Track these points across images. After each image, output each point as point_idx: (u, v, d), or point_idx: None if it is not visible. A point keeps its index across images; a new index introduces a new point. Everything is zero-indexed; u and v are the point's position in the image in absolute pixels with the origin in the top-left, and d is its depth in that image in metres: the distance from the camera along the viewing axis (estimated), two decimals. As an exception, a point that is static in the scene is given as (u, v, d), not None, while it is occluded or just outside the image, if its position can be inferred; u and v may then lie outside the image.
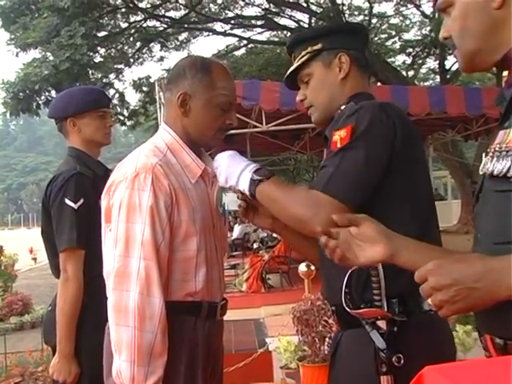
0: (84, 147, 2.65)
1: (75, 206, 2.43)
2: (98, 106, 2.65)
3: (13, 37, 14.52)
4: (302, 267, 4.41)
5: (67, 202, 2.44)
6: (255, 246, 14.29)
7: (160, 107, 8.95)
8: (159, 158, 1.79)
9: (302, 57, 1.85)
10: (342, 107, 1.80)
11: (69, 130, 2.65)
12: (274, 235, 14.07)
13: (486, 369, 0.96)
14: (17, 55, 14.53)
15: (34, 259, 19.92)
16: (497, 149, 1.17)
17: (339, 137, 1.63)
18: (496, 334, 1.16)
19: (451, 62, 17.76)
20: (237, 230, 17.11)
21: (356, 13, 19.82)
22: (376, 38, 19.77)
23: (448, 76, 16.91)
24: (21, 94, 13.30)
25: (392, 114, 1.66)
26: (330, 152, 1.68)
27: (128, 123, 17.67)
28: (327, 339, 3.77)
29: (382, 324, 1.57)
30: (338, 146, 1.62)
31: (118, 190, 1.75)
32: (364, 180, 1.60)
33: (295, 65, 1.87)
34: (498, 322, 1.14)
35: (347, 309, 1.55)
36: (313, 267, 4.42)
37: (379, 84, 14.06)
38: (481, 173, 1.21)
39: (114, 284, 1.71)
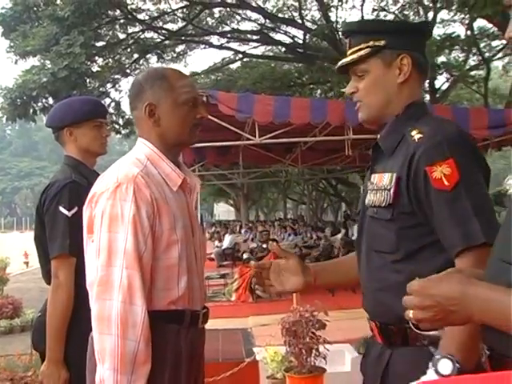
0: (80, 156, 2.65)
1: (69, 214, 2.43)
2: (95, 116, 2.65)
3: (12, 44, 14.50)
4: (291, 279, 4.40)
5: (61, 209, 2.43)
6: (245, 256, 14.25)
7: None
8: (140, 168, 1.79)
9: (361, 49, 1.72)
10: (396, 113, 1.73)
11: (65, 139, 2.65)
12: (264, 246, 14.05)
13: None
14: (16, 62, 14.50)
15: (26, 263, 19.79)
16: None
17: (442, 173, 1.54)
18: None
19: (441, 82, 17.91)
20: (227, 240, 17.08)
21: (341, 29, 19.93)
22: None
23: (437, 95, 17.01)
24: (18, 100, 13.25)
25: (471, 140, 1.65)
26: (426, 186, 1.57)
27: (123, 132, 17.63)
28: (314, 351, 3.76)
29: None
30: (447, 183, 1.53)
31: (100, 201, 1.75)
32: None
33: (351, 57, 1.75)
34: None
35: (415, 330, 1.49)
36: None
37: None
38: None
39: (96, 293, 1.70)
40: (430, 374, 1.39)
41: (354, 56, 1.74)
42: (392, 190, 1.62)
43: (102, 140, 2.68)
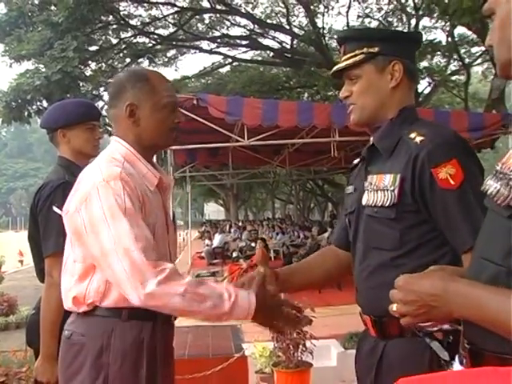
0: (73, 157, 2.64)
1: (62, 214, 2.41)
2: (88, 118, 2.64)
3: (7, 48, 14.40)
4: (279, 276, 4.40)
5: (55, 209, 2.42)
6: (234, 254, 14.29)
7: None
8: (120, 167, 1.76)
9: (355, 55, 1.75)
10: (390, 117, 1.75)
11: (59, 140, 2.64)
12: (253, 245, 14.06)
13: (458, 381, 0.96)
14: (10, 66, 14.40)
15: (21, 262, 19.67)
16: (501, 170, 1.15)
17: (448, 173, 1.57)
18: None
19: (423, 86, 18.00)
20: (217, 239, 17.10)
21: (335, 36, 19.96)
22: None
23: (420, 99, 17.12)
24: (13, 103, 13.16)
25: (466, 141, 1.68)
26: (431, 186, 1.59)
27: (115, 134, 17.57)
28: (301, 346, 3.77)
29: (438, 335, 1.52)
30: (453, 182, 1.56)
31: (93, 201, 1.70)
32: None
33: (346, 63, 1.78)
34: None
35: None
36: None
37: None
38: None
39: (141, 284, 1.62)
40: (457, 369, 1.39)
41: (349, 62, 1.77)
42: (396, 191, 1.64)
43: (94, 142, 2.67)
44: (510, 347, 1.04)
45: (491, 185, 1.15)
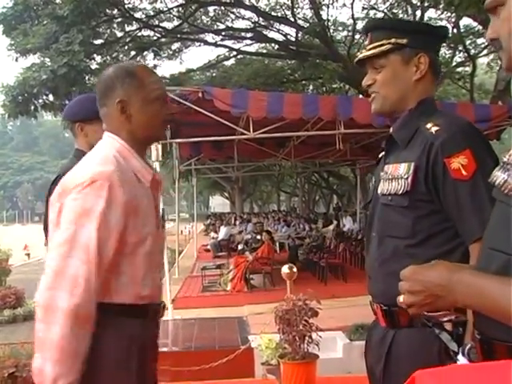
0: (89, 151, 2.66)
1: None
2: None
3: (13, 42, 14.40)
4: (285, 269, 4.41)
5: None
6: (240, 247, 14.30)
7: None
8: (114, 165, 1.73)
9: (382, 45, 1.77)
10: (409, 108, 1.77)
11: (77, 133, 2.69)
12: (258, 237, 14.07)
13: (477, 373, 0.97)
14: (16, 60, 14.40)
15: (28, 255, 19.78)
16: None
17: (460, 164, 1.58)
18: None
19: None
20: (222, 232, 17.14)
21: (340, 28, 19.93)
22: (359, 53, 19.84)
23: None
24: (19, 97, 13.18)
25: (480, 131, 1.70)
26: (444, 176, 1.61)
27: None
28: (307, 338, 3.78)
29: (448, 326, 1.51)
30: (465, 173, 1.58)
31: (72, 195, 1.68)
32: None
33: (372, 51, 1.79)
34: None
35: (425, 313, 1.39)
36: (295, 269, 4.43)
37: (361, 96, 14.11)
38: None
39: (51, 283, 1.63)
40: (463, 362, 1.38)
41: (375, 50, 1.78)
42: (410, 179, 1.66)
43: None
44: None
45: (499, 176, 1.16)
